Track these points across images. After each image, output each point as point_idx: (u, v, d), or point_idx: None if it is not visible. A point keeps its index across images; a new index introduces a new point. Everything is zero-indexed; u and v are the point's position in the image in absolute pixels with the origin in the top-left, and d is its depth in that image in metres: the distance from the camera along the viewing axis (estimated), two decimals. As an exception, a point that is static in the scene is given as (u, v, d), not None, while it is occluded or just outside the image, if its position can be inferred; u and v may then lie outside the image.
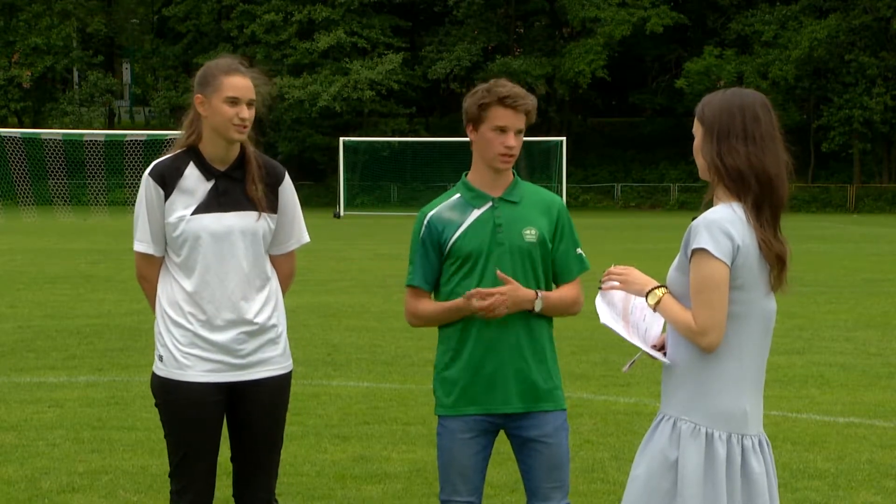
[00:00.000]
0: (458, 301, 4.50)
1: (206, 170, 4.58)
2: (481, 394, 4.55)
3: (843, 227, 41.65)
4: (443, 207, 4.62)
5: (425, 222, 4.61)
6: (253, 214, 4.60)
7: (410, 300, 4.67)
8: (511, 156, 4.52)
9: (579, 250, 4.68)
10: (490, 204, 4.58)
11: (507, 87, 4.51)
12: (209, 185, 4.58)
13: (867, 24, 56.87)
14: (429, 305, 4.63)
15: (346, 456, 7.85)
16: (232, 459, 4.82)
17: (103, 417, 8.95)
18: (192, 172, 4.58)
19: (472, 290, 4.45)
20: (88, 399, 9.64)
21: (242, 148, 4.64)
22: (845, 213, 55.41)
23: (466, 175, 4.67)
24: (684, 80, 58.62)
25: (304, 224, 4.82)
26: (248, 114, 4.54)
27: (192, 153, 4.61)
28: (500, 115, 4.48)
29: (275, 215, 4.68)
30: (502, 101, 4.48)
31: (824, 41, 55.92)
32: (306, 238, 4.84)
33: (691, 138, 3.86)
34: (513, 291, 4.45)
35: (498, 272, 4.47)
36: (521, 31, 66.35)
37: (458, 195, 4.63)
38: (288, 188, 4.73)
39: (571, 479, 7.13)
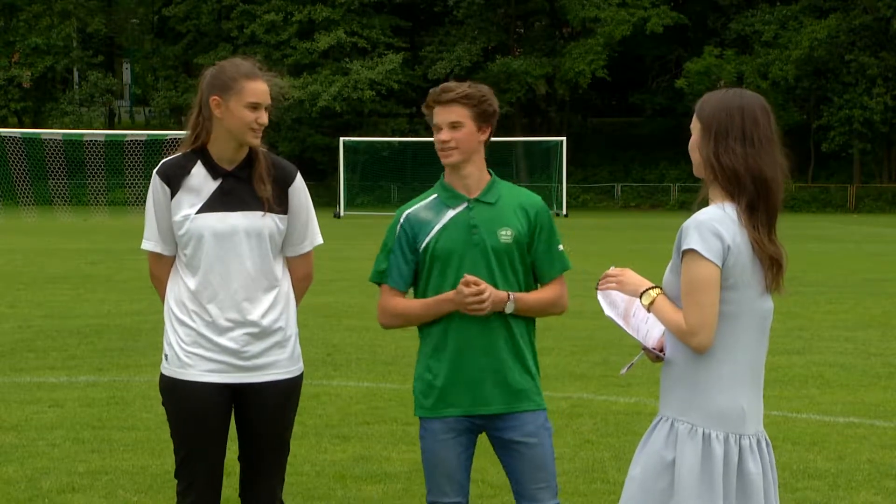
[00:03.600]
0: (446, 293, 4.49)
1: (213, 169, 4.58)
2: (460, 395, 4.56)
3: (843, 227, 41.64)
4: (419, 207, 4.64)
5: (401, 221, 4.62)
6: (259, 214, 4.57)
7: (385, 299, 4.65)
8: (444, 150, 4.55)
9: (560, 248, 4.68)
10: (465, 205, 4.58)
11: (438, 86, 4.61)
12: (215, 184, 4.57)
13: (867, 24, 56.85)
14: (408, 302, 4.62)
15: (346, 456, 7.85)
16: (239, 458, 4.82)
17: (103, 417, 8.95)
18: (198, 171, 4.58)
19: (468, 277, 4.44)
20: (88, 399, 9.64)
21: (250, 148, 4.63)
22: (845, 213, 55.40)
23: (444, 176, 4.68)
24: (684, 80, 58.59)
25: (317, 225, 4.80)
26: (265, 119, 4.56)
27: (201, 153, 4.60)
28: (435, 114, 4.57)
29: (284, 216, 4.64)
30: (433, 100, 4.58)
31: (824, 41, 55.90)
32: (319, 240, 4.80)
33: (690, 137, 3.85)
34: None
35: (465, 276, 4.46)
36: (521, 31, 66.29)
37: (435, 195, 4.65)
38: (300, 189, 4.70)
39: (571, 479, 7.15)
